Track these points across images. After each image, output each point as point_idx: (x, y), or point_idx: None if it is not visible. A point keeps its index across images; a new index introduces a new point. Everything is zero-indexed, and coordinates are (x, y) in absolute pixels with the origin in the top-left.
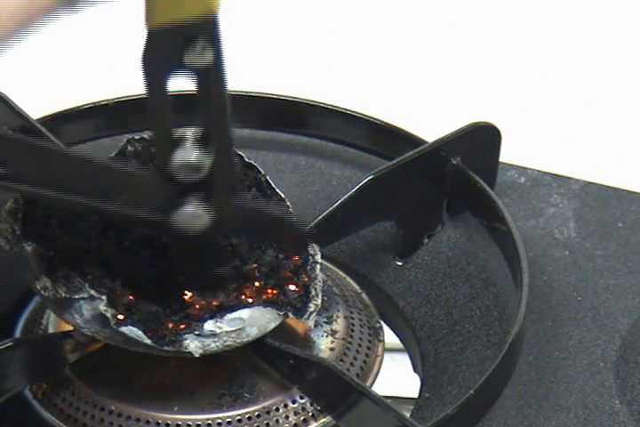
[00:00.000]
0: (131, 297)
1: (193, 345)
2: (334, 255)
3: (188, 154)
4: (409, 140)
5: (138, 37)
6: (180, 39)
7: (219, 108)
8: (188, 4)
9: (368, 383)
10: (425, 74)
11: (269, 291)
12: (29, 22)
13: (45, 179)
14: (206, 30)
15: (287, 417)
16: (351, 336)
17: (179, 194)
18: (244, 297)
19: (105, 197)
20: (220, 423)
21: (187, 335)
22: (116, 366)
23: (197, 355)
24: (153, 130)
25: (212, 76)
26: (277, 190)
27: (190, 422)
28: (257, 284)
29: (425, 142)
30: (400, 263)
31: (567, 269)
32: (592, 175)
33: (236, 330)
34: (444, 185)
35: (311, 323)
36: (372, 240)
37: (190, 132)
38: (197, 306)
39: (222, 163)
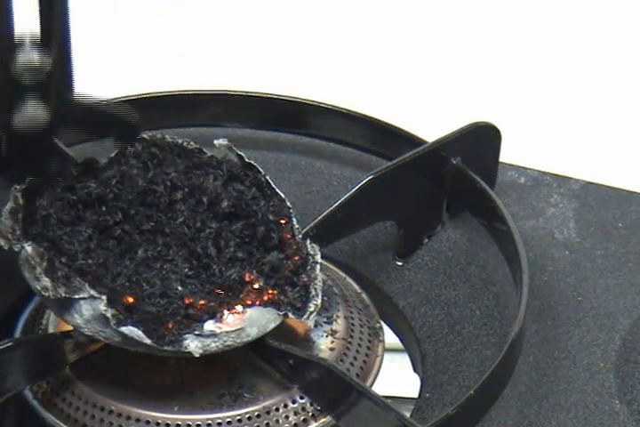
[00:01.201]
0: (131, 298)
1: (193, 345)
2: (334, 255)
3: (31, 54)
4: (409, 140)
5: (137, 38)
6: None
7: (58, 9)
8: None
9: (368, 383)
10: (425, 74)
11: (269, 291)
12: None
13: None
14: None
15: (287, 417)
16: (351, 336)
17: (19, 95)
18: (244, 298)
19: None
20: (219, 423)
21: (187, 335)
22: (116, 366)
23: (197, 355)
24: None
25: None
26: (277, 190)
27: (190, 423)
28: (257, 285)
29: (425, 142)
30: (400, 263)
31: (567, 269)
32: (592, 175)
33: (235, 330)
34: (444, 185)
35: (311, 323)
36: (372, 240)
37: (30, 35)
38: (197, 306)
39: (61, 63)
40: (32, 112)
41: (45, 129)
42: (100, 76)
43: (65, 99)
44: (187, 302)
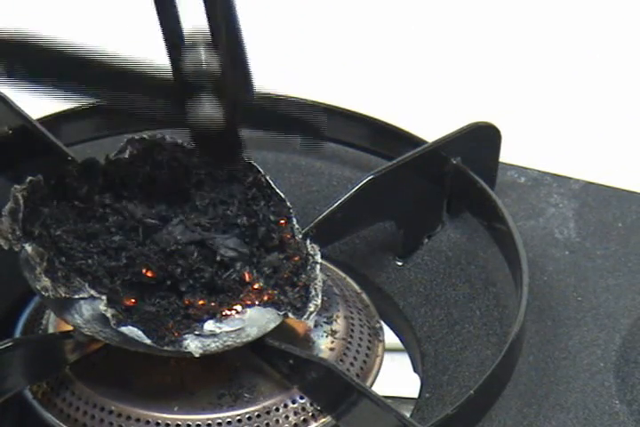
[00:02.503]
0: (132, 299)
1: (193, 345)
2: (334, 255)
3: (198, 56)
4: (409, 140)
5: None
6: None
7: (226, 10)
8: None
9: (368, 383)
10: (425, 74)
11: (269, 291)
12: None
13: (63, 77)
14: None
15: (287, 417)
16: (351, 336)
17: (192, 94)
18: (244, 298)
19: (123, 96)
20: (219, 423)
21: (187, 335)
22: (116, 366)
23: (197, 355)
24: (163, 35)
25: None
26: (277, 190)
27: (190, 423)
28: (257, 285)
29: (425, 142)
30: (400, 263)
31: (567, 269)
32: (592, 175)
33: (235, 330)
34: (443, 185)
35: (311, 323)
36: (372, 240)
37: (201, 37)
38: (197, 306)
39: (233, 64)
40: (207, 111)
41: (226, 128)
42: None
43: (244, 99)
44: (187, 302)
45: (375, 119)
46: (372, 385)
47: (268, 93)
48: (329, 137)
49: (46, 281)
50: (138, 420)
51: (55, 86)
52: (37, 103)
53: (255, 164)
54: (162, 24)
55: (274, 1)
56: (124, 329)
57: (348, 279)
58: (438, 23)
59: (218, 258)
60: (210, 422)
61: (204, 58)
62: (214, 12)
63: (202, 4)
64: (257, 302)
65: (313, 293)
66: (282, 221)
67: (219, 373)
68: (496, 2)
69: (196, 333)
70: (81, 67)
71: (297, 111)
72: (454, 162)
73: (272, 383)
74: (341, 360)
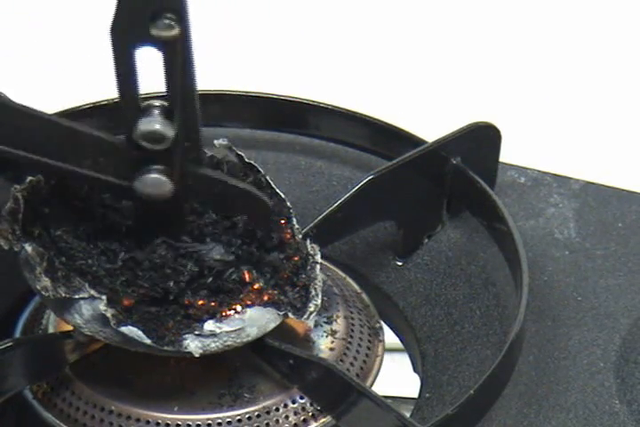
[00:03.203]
0: (131, 300)
1: (193, 345)
2: (334, 255)
3: (153, 123)
4: (409, 140)
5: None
6: (147, 12)
7: (185, 81)
8: None
9: (368, 383)
10: (425, 74)
11: (269, 291)
12: None
13: (12, 138)
14: (173, 4)
15: (287, 417)
16: (351, 336)
17: (143, 161)
18: (244, 299)
19: (71, 160)
20: (219, 423)
21: (187, 335)
22: (116, 366)
23: (197, 355)
24: (120, 98)
25: (177, 48)
26: (277, 190)
27: (190, 423)
28: (257, 285)
29: (425, 142)
30: (400, 263)
31: (567, 269)
32: (592, 175)
33: (235, 330)
34: (443, 185)
35: (311, 323)
36: (372, 240)
37: (157, 103)
38: (197, 306)
39: (187, 134)
40: (155, 179)
41: (172, 197)
42: (100, 76)
43: (193, 170)
44: (187, 302)
45: (375, 119)
46: (371, 385)
47: (215, 170)
48: (329, 137)
49: (46, 281)
50: (138, 420)
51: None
52: (38, 103)
53: (255, 164)
54: (120, 90)
55: (274, 1)
56: (124, 329)
57: (348, 279)
58: (438, 23)
59: (205, 272)
60: (210, 422)
61: (158, 125)
62: (174, 83)
63: (162, 72)
64: (257, 302)
65: (313, 293)
66: (282, 221)
67: (219, 373)
68: (496, 2)
69: (196, 333)
70: (34, 127)
71: (242, 190)
72: (454, 162)
73: (272, 383)
74: (341, 360)
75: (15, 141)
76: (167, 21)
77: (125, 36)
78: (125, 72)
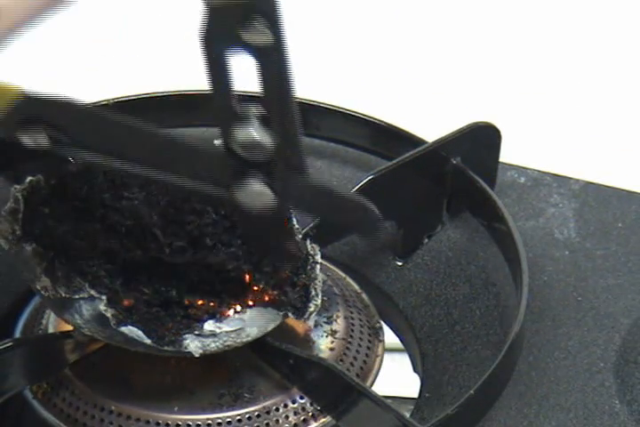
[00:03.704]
0: (131, 300)
1: (193, 345)
2: (334, 255)
3: (251, 132)
4: (409, 140)
5: (138, 38)
6: (239, 17)
7: (281, 88)
8: None
9: (368, 383)
10: (425, 74)
11: (269, 291)
12: (29, 18)
13: (106, 147)
14: (265, 9)
15: (287, 417)
16: (351, 336)
17: (243, 172)
18: (245, 299)
19: (167, 170)
20: (219, 423)
21: (187, 335)
22: (116, 366)
23: (197, 355)
24: (215, 106)
25: (272, 55)
26: None
27: (190, 423)
28: (257, 286)
29: (425, 142)
30: (400, 263)
31: (567, 269)
32: (592, 175)
33: (235, 330)
34: (444, 185)
35: (311, 323)
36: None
37: (255, 110)
38: (197, 306)
39: (287, 142)
40: (255, 190)
41: (272, 209)
42: (100, 75)
43: (295, 180)
44: (187, 302)
45: (375, 119)
46: (371, 385)
47: (319, 179)
48: (329, 137)
49: (46, 281)
50: (138, 420)
51: (102, 158)
52: None
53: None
54: (215, 99)
55: None
56: (124, 329)
57: (348, 279)
58: (438, 23)
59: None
60: (210, 422)
61: (257, 133)
62: (269, 90)
63: (257, 80)
64: (257, 302)
65: (313, 293)
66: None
67: (219, 373)
68: (496, 2)
69: (196, 333)
70: (129, 138)
71: (350, 200)
72: (454, 162)
73: (272, 383)
74: (341, 360)
75: (106, 151)
76: (260, 26)
77: (216, 42)
78: (218, 78)
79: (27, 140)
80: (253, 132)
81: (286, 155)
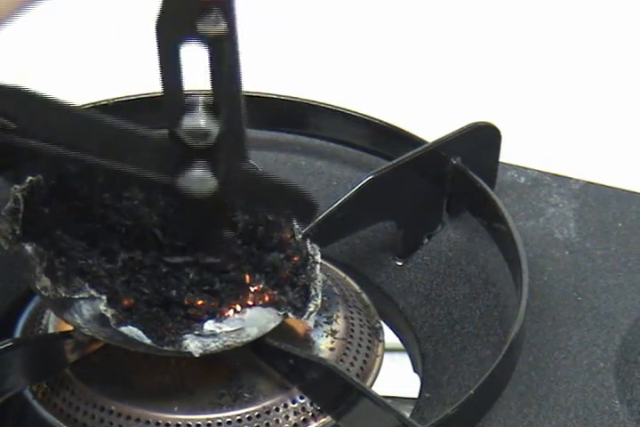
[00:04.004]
0: (131, 300)
1: (193, 345)
2: (334, 255)
3: (198, 120)
4: (409, 140)
5: (138, 38)
6: (194, 8)
7: (230, 77)
8: None
9: (368, 383)
10: (425, 74)
11: (269, 291)
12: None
13: (54, 135)
14: (220, 1)
15: (287, 417)
16: (351, 336)
17: (187, 158)
18: (244, 298)
19: (113, 157)
20: (219, 423)
21: (187, 335)
22: (116, 366)
23: (197, 355)
24: (164, 94)
25: (224, 44)
26: None
27: (190, 423)
28: (257, 286)
29: (425, 142)
30: (400, 263)
31: (567, 269)
32: (592, 175)
33: (235, 330)
34: (443, 185)
35: (311, 323)
36: (372, 240)
37: (201, 99)
38: (197, 306)
39: (231, 130)
40: (199, 176)
41: (215, 194)
42: (100, 75)
43: (237, 166)
44: (187, 302)
45: (375, 119)
46: (371, 385)
47: (256, 165)
48: (329, 137)
49: (46, 281)
50: (138, 420)
51: (48, 144)
52: None
53: (255, 164)
54: (164, 86)
55: (274, 1)
56: (124, 329)
57: (348, 279)
58: (438, 23)
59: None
60: (210, 422)
61: (202, 121)
62: (219, 79)
63: (207, 68)
64: (257, 302)
65: (313, 293)
66: (282, 221)
67: (219, 373)
68: (496, 2)
69: (196, 333)
70: (75, 125)
71: (288, 187)
72: (454, 162)
73: (272, 383)
74: (341, 360)
75: (53, 138)
76: (214, 17)
77: (171, 32)
78: (169, 68)
79: None
80: (199, 120)
81: (230, 142)
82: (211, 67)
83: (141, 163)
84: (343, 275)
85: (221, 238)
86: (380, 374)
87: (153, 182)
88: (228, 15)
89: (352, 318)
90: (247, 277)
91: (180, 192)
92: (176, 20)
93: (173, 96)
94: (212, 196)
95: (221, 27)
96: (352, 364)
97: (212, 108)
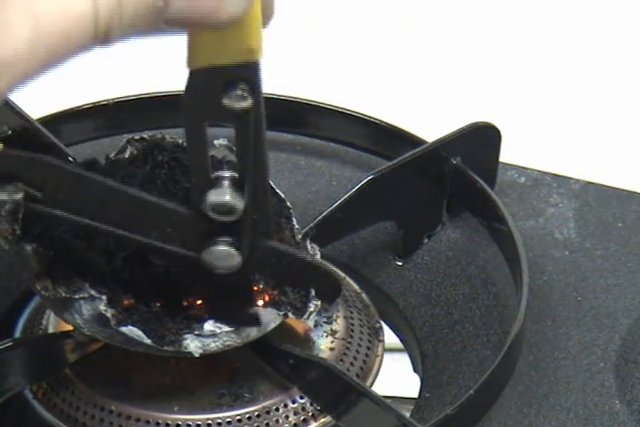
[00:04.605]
0: (131, 300)
1: (193, 345)
2: (334, 255)
3: (223, 195)
4: (409, 140)
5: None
6: (220, 82)
7: (256, 153)
8: (231, 48)
9: (368, 383)
10: (425, 74)
11: (269, 291)
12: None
13: (79, 206)
14: (247, 75)
15: (287, 417)
16: (351, 336)
17: (212, 233)
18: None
19: (137, 229)
20: (219, 423)
21: (187, 335)
22: (116, 366)
23: (197, 355)
24: (191, 170)
25: (250, 119)
26: (277, 190)
27: (190, 423)
28: (257, 286)
29: (425, 142)
30: (400, 263)
31: (567, 269)
32: (592, 175)
33: (235, 330)
34: (443, 185)
35: (311, 323)
36: (372, 240)
37: (228, 174)
38: (197, 306)
39: (256, 206)
40: (224, 251)
41: (238, 271)
42: (99, 76)
43: (259, 243)
44: (186, 302)
45: (375, 119)
46: (371, 385)
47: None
48: (329, 137)
49: (46, 281)
50: (138, 420)
51: (74, 215)
52: (37, 103)
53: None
54: (190, 161)
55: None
56: (124, 329)
57: (348, 279)
58: (438, 23)
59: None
60: (210, 422)
61: (228, 196)
62: (245, 154)
63: (234, 143)
64: (257, 302)
65: (313, 293)
66: (282, 221)
67: (219, 373)
68: (496, 2)
69: (196, 333)
70: (101, 196)
71: (313, 265)
72: (454, 162)
73: (272, 383)
74: (341, 360)
75: (81, 209)
76: (240, 92)
77: (198, 108)
78: (196, 144)
79: (1, 195)
80: (225, 195)
81: (255, 218)
82: (236, 141)
83: (165, 236)
84: (343, 275)
85: (244, 310)
86: (380, 374)
87: (176, 256)
88: (254, 89)
89: (352, 318)
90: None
91: (205, 267)
92: (202, 94)
93: (200, 172)
94: (235, 271)
95: (248, 102)
96: (352, 364)
97: (238, 183)
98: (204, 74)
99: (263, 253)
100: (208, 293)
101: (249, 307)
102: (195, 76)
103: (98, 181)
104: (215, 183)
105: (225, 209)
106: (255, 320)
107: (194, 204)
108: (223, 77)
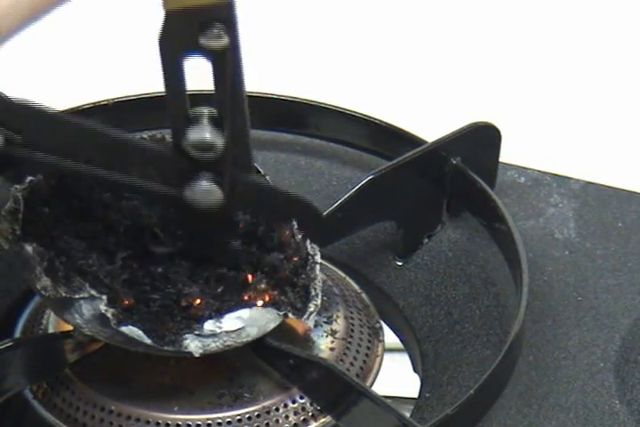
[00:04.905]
0: (131, 300)
1: (193, 345)
2: (334, 255)
3: (203, 132)
4: (409, 140)
5: (137, 38)
6: (196, 22)
7: (234, 90)
8: None
9: (368, 383)
10: (425, 74)
11: (269, 291)
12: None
13: (60, 148)
14: (222, 14)
15: (287, 417)
16: (351, 336)
17: (192, 170)
18: (245, 299)
19: (118, 169)
20: (219, 423)
21: (187, 335)
22: (116, 366)
23: (197, 355)
24: (169, 108)
25: (227, 58)
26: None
27: (190, 423)
28: (257, 286)
29: (425, 142)
30: (400, 263)
31: (567, 269)
32: (592, 175)
33: (235, 330)
34: (443, 185)
35: (311, 323)
36: (372, 240)
37: (206, 111)
38: (197, 306)
39: (236, 142)
40: (204, 189)
41: (220, 207)
42: (99, 76)
43: (243, 179)
44: (186, 302)
45: (375, 119)
46: (371, 385)
47: (263, 177)
48: (329, 137)
49: (46, 281)
50: (138, 420)
51: (55, 158)
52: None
53: (255, 164)
54: (168, 99)
55: (274, 1)
56: (124, 329)
57: (348, 279)
58: (438, 23)
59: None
60: (210, 422)
61: (208, 134)
62: (223, 92)
63: (211, 81)
64: (257, 302)
65: (313, 293)
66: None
67: (219, 373)
68: (495, 2)
69: (196, 333)
70: (81, 138)
71: (293, 198)
72: (454, 162)
73: (272, 383)
74: (341, 360)
75: (60, 151)
76: (216, 31)
77: (174, 46)
78: (174, 81)
79: None
80: (204, 132)
81: (235, 154)
82: (214, 79)
83: (147, 175)
84: (343, 275)
85: (227, 249)
86: (380, 374)
87: (158, 194)
88: (230, 29)
89: (352, 318)
90: (250, 277)
91: (187, 204)
92: (178, 34)
93: (178, 109)
94: (218, 207)
95: (224, 40)
96: (352, 364)
97: (217, 121)
98: (180, 15)
99: (245, 189)
100: (192, 234)
101: (230, 243)
102: (170, 18)
103: (77, 123)
104: (194, 121)
105: (205, 146)
106: (234, 259)
107: (174, 142)
108: (199, 18)
